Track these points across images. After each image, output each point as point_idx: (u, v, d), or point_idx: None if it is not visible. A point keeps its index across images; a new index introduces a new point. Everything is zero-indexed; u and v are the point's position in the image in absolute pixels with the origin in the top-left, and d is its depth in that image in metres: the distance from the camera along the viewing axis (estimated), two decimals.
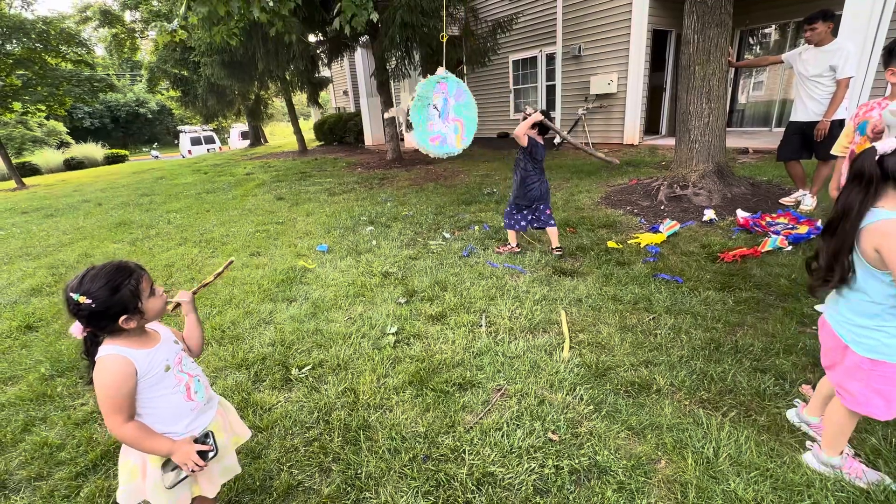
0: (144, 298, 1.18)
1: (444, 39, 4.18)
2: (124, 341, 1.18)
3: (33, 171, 22.91)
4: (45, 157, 25.43)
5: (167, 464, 1.21)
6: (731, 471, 1.56)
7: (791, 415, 1.79)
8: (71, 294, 1.11)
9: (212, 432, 1.29)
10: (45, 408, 2.25)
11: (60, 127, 31.48)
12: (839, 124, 3.93)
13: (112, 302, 1.12)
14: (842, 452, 1.52)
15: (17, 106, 17.21)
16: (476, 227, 4.63)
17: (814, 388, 1.88)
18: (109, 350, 1.16)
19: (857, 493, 1.44)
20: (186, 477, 1.22)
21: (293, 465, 1.75)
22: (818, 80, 3.88)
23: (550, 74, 10.69)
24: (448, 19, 9.11)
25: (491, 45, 9.50)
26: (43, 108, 18.51)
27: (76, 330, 1.15)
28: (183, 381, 1.27)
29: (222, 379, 2.36)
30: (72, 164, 24.92)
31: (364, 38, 9.81)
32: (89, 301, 1.10)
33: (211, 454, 1.23)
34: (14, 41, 15.21)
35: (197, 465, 1.19)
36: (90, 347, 1.18)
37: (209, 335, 2.81)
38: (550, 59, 10.57)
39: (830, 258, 1.35)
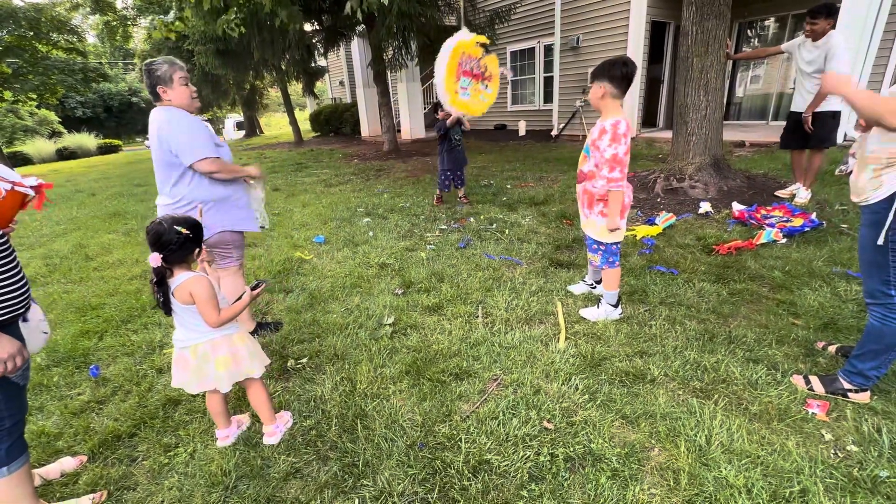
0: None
1: None
2: (189, 270, 1.58)
3: (25, 160, 22.61)
4: (37, 146, 25.06)
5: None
6: (723, 458, 1.58)
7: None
8: (175, 226, 1.48)
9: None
10: (42, 397, 2.25)
11: (52, 116, 31.04)
12: (832, 115, 3.94)
13: (199, 235, 1.59)
14: None
15: (7, 95, 16.94)
16: (473, 219, 4.63)
17: (806, 377, 1.91)
18: (191, 274, 1.55)
19: (845, 479, 1.47)
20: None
21: (291, 453, 1.77)
22: (814, 76, 3.89)
23: (548, 66, 10.64)
24: (445, 9, 9.02)
25: (489, 35, 9.41)
26: (34, 96, 18.20)
27: (155, 259, 1.46)
28: None
29: None
30: (64, 154, 24.61)
31: (360, 28, 9.71)
32: (187, 231, 1.50)
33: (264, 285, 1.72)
34: (3, 29, 14.95)
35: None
36: (162, 278, 1.53)
37: None
38: (548, 50, 10.52)
39: None
